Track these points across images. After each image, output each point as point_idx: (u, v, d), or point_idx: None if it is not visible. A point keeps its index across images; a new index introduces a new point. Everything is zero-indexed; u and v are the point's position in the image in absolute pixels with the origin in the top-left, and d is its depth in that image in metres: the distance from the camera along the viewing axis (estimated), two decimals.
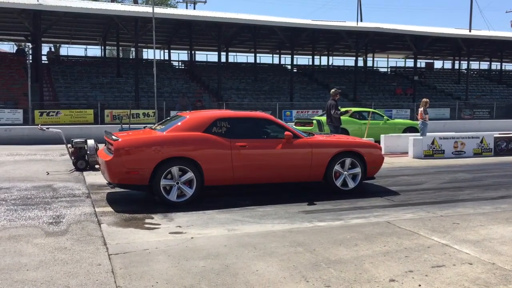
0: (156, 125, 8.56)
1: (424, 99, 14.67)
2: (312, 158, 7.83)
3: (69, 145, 10.78)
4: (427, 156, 13.30)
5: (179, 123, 7.59)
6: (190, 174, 7.06)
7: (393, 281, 4.17)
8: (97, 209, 6.80)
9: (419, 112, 14.47)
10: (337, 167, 8.01)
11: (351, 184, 8.13)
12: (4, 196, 7.66)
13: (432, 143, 13.46)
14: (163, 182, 6.96)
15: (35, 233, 5.55)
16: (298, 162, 7.80)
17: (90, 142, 10.49)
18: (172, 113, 24.49)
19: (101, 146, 8.55)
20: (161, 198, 7.01)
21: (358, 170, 8.13)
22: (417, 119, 15.16)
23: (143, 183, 6.99)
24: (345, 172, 8.08)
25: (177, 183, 7.03)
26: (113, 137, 7.19)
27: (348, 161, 8.08)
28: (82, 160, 10.40)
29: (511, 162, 12.85)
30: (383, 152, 9.65)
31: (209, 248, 5.02)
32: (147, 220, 6.25)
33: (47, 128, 12.03)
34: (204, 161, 7.15)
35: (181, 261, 4.63)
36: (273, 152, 7.66)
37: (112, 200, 7.50)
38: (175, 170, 7.01)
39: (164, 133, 7.42)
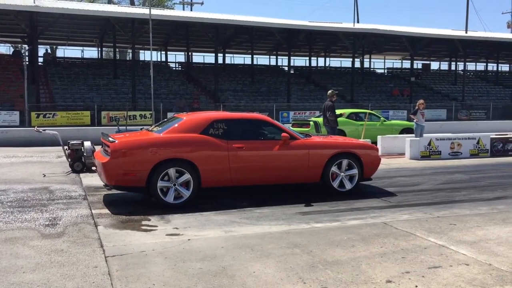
0: (153, 126, 8.56)
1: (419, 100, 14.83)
2: (309, 159, 7.83)
3: (65, 147, 10.77)
4: (424, 157, 13.33)
5: (176, 125, 7.58)
6: (187, 176, 7.06)
7: (390, 282, 4.17)
8: (93, 211, 6.79)
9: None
10: (334, 168, 8.01)
11: (348, 185, 8.13)
12: (0, 198, 7.63)
13: (429, 144, 13.49)
14: (160, 183, 6.94)
15: (31, 235, 5.53)
16: (295, 163, 7.80)
17: (87, 144, 10.47)
18: (169, 114, 24.47)
19: (98, 148, 8.54)
20: (158, 199, 7.00)
21: (355, 171, 8.14)
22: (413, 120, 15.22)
23: (140, 185, 6.98)
24: (342, 173, 8.09)
25: (174, 184, 7.02)
26: (110, 138, 7.18)
27: (345, 162, 8.09)
28: (79, 162, 10.38)
29: (507, 163, 12.89)
30: (380, 153, 9.67)
31: (206, 250, 5.01)
32: (144, 222, 6.23)
33: (44, 130, 12.02)
34: (201, 163, 7.14)
35: (178, 263, 4.62)
36: (270, 154, 7.66)
37: (108, 202, 7.48)
38: (172, 171, 7.00)
39: (161, 134, 7.41)
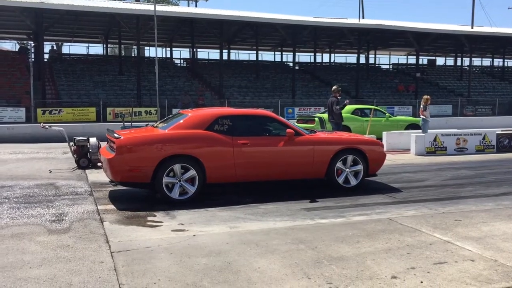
0: (158, 123, 8.57)
1: (425, 96, 14.66)
2: (314, 155, 7.83)
3: (71, 143, 10.81)
4: (429, 153, 13.29)
5: (181, 121, 7.60)
6: (192, 172, 7.07)
7: (395, 278, 4.17)
8: (99, 207, 6.82)
9: (420, 109, 14.46)
10: (339, 164, 8.01)
11: (353, 181, 8.13)
12: (7, 194, 7.68)
13: (434, 140, 13.45)
14: (165, 179, 6.97)
15: (37, 231, 5.57)
16: (300, 159, 7.80)
17: (92, 140, 10.50)
18: (174, 110, 24.50)
19: (103, 144, 8.57)
20: (163, 195, 7.03)
21: (360, 167, 8.13)
22: (419, 116, 15.15)
23: (145, 181, 7.01)
24: (347, 169, 8.08)
25: (179, 180, 7.05)
26: (115, 135, 7.21)
27: (350, 158, 8.08)
28: (85, 158, 10.42)
29: None
30: (385, 149, 9.64)
31: (211, 246, 5.03)
32: (149, 218, 6.26)
33: (50, 127, 12.06)
34: (206, 159, 7.16)
35: (183, 258, 4.64)
36: (275, 150, 7.67)
37: (114, 198, 7.52)
38: (177, 167, 7.02)
39: (166, 131, 7.43)
